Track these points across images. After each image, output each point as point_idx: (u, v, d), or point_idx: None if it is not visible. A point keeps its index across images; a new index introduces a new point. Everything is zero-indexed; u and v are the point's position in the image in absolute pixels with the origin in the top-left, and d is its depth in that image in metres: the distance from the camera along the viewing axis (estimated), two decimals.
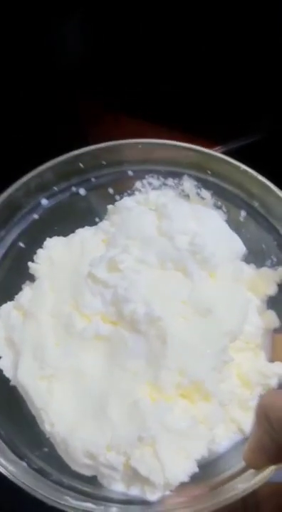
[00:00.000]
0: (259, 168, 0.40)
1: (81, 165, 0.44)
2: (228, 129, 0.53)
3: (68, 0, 0.54)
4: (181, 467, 0.31)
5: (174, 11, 0.55)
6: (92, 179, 0.45)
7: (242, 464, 0.32)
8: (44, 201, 0.44)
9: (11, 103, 0.56)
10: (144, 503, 0.32)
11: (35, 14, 0.53)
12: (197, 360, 0.33)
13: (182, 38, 0.58)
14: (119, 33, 0.57)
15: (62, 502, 0.29)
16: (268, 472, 0.30)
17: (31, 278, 0.41)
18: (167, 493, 0.32)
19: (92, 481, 0.33)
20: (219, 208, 0.45)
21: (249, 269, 0.43)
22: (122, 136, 0.44)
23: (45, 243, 0.42)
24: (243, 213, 0.44)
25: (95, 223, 0.46)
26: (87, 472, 0.33)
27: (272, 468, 0.30)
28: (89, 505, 0.30)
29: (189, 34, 0.58)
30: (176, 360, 0.33)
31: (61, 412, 0.34)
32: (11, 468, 0.31)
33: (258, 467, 0.30)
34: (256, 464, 0.30)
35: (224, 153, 0.43)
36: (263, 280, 0.42)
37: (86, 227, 0.44)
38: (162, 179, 0.46)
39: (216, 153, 0.42)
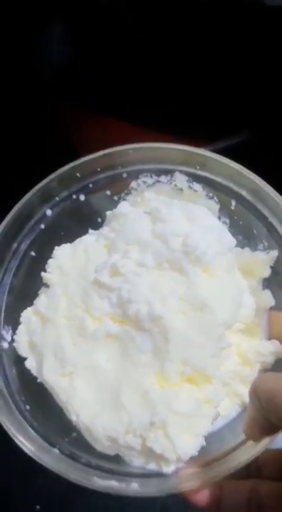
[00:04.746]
0: (247, 167, 0.43)
1: (78, 174, 0.47)
2: (214, 129, 0.55)
3: (49, 11, 0.55)
4: (191, 444, 0.36)
5: (162, 15, 0.56)
6: (90, 185, 0.48)
7: (244, 435, 0.37)
8: (48, 211, 0.48)
9: None
10: (161, 475, 0.37)
11: (18, 25, 0.54)
12: (197, 350, 0.38)
13: (168, 40, 0.59)
14: (105, 37, 0.58)
15: (90, 483, 0.34)
16: (265, 443, 0.34)
17: (46, 285, 0.46)
18: (180, 465, 0.37)
19: (116, 459, 0.39)
20: (211, 198, 0.48)
21: (244, 254, 0.47)
22: (109, 141, 0.47)
23: (54, 252, 0.46)
24: (233, 202, 0.47)
25: (97, 223, 0.50)
26: (111, 452, 0.39)
27: (267, 439, 0.34)
28: (113, 482, 0.35)
29: (174, 35, 0.58)
30: (178, 352, 0.37)
31: (83, 403, 0.39)
32: (44, 456, 0.36)
33: (255, 439, 0.35)
34: (252, 436, 0.34)
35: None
36: (257, 263, 0.45)
37: (89, 233, 0.47)
38: (155, 177, 0.49)
39: (200, 150, 0.45)
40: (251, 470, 0.36)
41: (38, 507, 0.49)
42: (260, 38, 0.57)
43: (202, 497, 0.35)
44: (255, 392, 0.32)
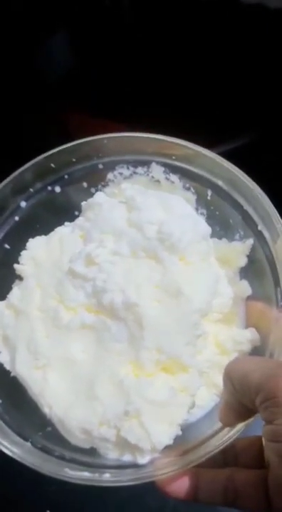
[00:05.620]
0: (249, 170, 0.42)
1: (53, 165, 0.46)
2: (215, 133, 0.55)
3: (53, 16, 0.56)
4: (165, 433, 0.36)
5: (164, 18, 0.56)
6: (66, 176, 0.48)
7: (219, 423, 0.36)
8: (23, 203, 0.47)
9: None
10: (136, 466, 0.36)
11: (21, 29, 0.55)
12: (172, 338, 0.37)
13: (170, 43, 0.59)
14: (106, 41, 0.59)
15: (62, 474, 0.33)
16: (239, 428, 0.34)
17: (20, 277, 0.45)
18: (156, 455, 0.36)
19: (91, 452, 0.38)
20: (188, 189, 0.48)
21: (222, 244, 0.46)
22: None
23: (27, 244, 0.45)
24: (209, 192, 0.47)
25: (74, 216, 0.49)
26: (85, 445, 0.38)
27: (241, 424, 0.34)
28: (85, 474, 0.34)
29: (176, 39, 0.59)
30: (153, 340, 0.37)
31: (56, 395, 0.38)
32: (15, 449, 0.35)
33: (230, 425, 0.34)
34: (227, 422, 0.34)
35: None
36: (234, 253, 0.45)
37: (64, 225, 0.47)
38: (131, 168, 0.48)
39: (176, 139, 0.45)
40: (228, 459, 0.36)
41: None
42: (262, 40, 0.58)
43: (178, 487, 0.34)
44: (228, 376, 0.31)
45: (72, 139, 0.46)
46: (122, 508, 0.48)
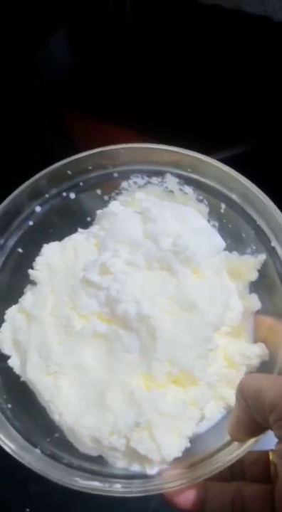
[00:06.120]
0: (252, 176, 0.43)
1: (69, 172, 0.47)
2: (217, 137, 0.55)
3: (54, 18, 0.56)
4: (175, 445, 0.36)
5: (167, 25, 0.57)
6: (81, 183, 0.48)
7: (228, 436, 0.36)
8: (38, 208, 0.47)
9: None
10: (144, 477, 0.37)
11: (23, 31, 0.55)
12: (184, 351, 0.37)
13: (171, 51, 0.60)
14: (108, 45, 0.59)
15: (72, 483, 0.34)
16: (249, 444, 0.34)
17: (32, 282, 0.45)
18: (164, 467, 0.37)
19: (99, 460, 0.38)
20: (201, 201, 0.48)
21: (232, 257, 0.47)
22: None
23: (42, 250, 0.45)
24: (223, 205, 0.47)
25: (87, 223, 0.49)
26: (94, 453, 0.38)
27: (252, 440, 0.34)
28: (96, 483, 0.35)
29: (178, 47, 0.59)
30: (165, 352, 0.37)
31: (67, 403, 0.38)
32: (25, 455, 0.35)
33: (240, 440, 0.34)
34: (237, 437, 0.34)
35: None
36: (244, 267, 0.46)
37: (78, 232, 0.47)
38: (146, 178, 0.49)
39: (192, 152, 0.45)
40: (235, 472, 0.36)
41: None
42: (263, 46, 0.58)
43: (186, 499, 0.34)
44: (241, 392, 0.32)
45: (72, 140, 0.47)
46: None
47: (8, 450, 0.36)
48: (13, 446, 0.37)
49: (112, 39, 0.62)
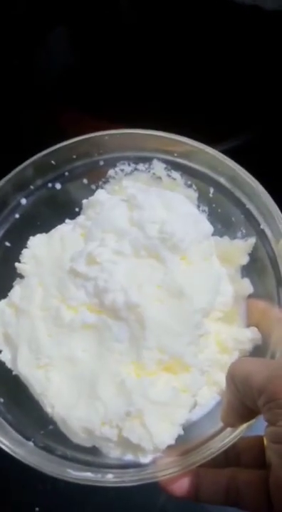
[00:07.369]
0: (251, 168, 0.42)
1: (53, 162, 0.46)
2: (216, 132, 0.55)
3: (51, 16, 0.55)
4: (167, 433, 0.36)
5: (164, 18, 0.56)
6: (66, 173, 0.47)
7: (221, 422, 0.36)
8: (23, 200, 0.46)
9: None
10: (138, 465, 0.36)
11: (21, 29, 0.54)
12: (174, 337, 0.37)
13: (169, 44, 0.59)
14: (106, 42, 0.59)
15: (64, 475, 0.33)
16: (241, 429, 0.34)
17: (20, 275, 0.45)
18: (158, 455, 0.36)
19: (94, 451, 0.38)
20: (190, 186, 0.48)
21: (223, 242, 0.46)
22: None
23: (28, 242, 0.44)
24: (211, 190, 0.46)
25: (75, 213, 0.49)
26: (87, 444, 0.38)
27: (244, 426, 0.34)
28: (88, 474, 0.34)
29: (175, 40, 0.59)
30: (155, 340, 0.37)
31: (59, 395, 0.38)
32: (18, 449, 0.35)
33: (232, 426, 0.34)
34: (229, 422, 0.34)
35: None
36: (235, 251, 0.45)
37: (65, 223, 0.46)
38: (132, 165, 0.48)
39: (178, 136, 0.44)
40: (230, 458, 0.36)
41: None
42: (262, 38, 0.57)
43: (180, 486, 0.34)
44: (231, 376, 0.31)
45: (71, 137, 0.46)
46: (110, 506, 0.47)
47: (1, 445, 0.36)
48: (5, 442, 0.36)
49: (111, 38, 0.61)
